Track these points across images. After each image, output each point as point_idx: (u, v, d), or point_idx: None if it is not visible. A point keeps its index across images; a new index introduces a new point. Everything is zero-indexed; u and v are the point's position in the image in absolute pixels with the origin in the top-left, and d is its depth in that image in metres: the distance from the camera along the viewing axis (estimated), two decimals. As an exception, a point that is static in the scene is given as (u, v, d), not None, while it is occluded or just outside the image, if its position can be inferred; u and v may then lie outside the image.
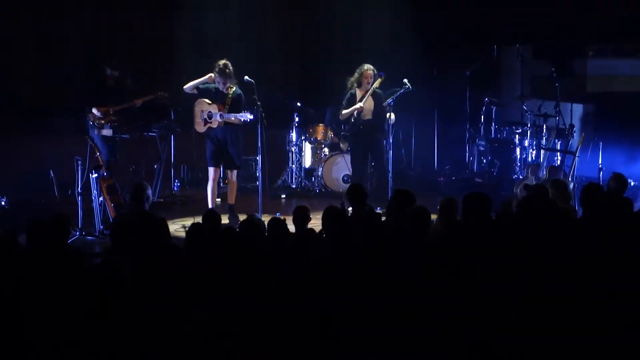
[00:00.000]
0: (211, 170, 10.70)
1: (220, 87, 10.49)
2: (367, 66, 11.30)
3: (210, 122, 10.40)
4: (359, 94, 11.35)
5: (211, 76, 10.46)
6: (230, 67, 10.44)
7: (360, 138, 11.48)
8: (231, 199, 10.88)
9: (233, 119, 10.33)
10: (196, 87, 10.51)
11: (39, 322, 5.22)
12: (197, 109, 10.55)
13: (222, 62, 10.48)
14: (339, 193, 11.92)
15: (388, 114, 11.25)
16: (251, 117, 10.27)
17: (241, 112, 10.41)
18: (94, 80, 11.76)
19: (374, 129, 11.41)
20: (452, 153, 14.30)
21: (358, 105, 11.14)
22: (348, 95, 11.39)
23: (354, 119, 11.36)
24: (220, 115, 10.32)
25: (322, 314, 5.38)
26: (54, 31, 14.09)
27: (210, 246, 6.46)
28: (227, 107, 10.49)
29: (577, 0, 14.63)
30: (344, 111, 11.29)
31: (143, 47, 14.51)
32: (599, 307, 5.51)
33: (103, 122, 11.02)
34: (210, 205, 10.58)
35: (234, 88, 10.55)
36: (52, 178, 11.55)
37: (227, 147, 10.58)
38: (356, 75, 11.33)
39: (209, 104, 10.44)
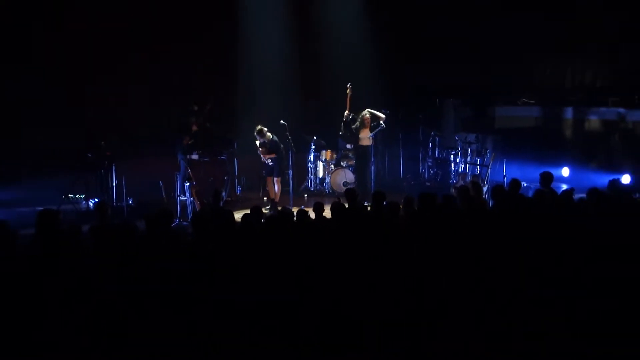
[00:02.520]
0: (267, 179, 11.36)
1: (262, 141, 11.20)
2: (367, 114, 11.49)
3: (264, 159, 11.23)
4: (363, 129, 11.51)
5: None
6: (264, 130, 11.12)
7: (362, 159, 11.63)
8: (276, 198, 11.06)
9: (266, 159, 11.25)
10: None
11: (156, 280, 5.20)
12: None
13: (257, 127, 11.18)
14: (340, 193, 11.91)
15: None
16: (271, 163, 11.21)
17: (278, 150, 11.21)
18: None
19: (368, 151, 11.55)
20: (411, 167, 14.20)
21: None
22: (356, 125, 11.54)
23: (357, 144, 11.65)
24: (265, 157, 11.23)
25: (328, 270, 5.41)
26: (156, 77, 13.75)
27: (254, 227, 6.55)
28: (266, 150, 11.19)
29: (487, 72, 14.66)
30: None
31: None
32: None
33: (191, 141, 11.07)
34: (271, 196, 11.34)
35: (271, 137, 11.15)
36: (161, 186, 11.56)
37: (271, 167, 11.16)
38: (360, 119, 11.50)
39: (261, 150, 11.26)
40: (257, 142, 11.26)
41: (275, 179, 11.20)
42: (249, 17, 14.16)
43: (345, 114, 11.49)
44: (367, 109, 11.58)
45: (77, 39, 13.06)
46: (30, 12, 12.92)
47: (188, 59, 14.02)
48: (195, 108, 11.28)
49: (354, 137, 11.66)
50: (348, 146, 12.67)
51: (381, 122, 11.43)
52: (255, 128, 11.20)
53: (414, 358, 4.41)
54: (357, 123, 11.54)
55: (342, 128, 11.90)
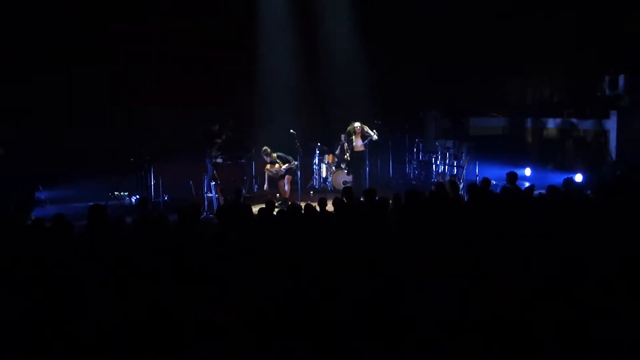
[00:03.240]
0: (279, 181, 11.30)
1: (270, 159, 11.14)
2: (357, 124, 11.57)
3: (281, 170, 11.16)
4: (355, 138, 11.58)
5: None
6: (268, 150, 11.09)
7: (357, 161, 11.66)
8: (286, 195, 11.08)
9: (282, 170, 11.16)
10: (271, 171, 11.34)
11: (185, 264, 5.13)
12: (270, 167, 11.31)
13: (263, 148, 11.17)
14: (340, 191, 11.91)
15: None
16: (283, 169, 11.11)
17: (287, 160, 11.17)
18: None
19: (363, 156, 11.56)
20: (399, 168, 14.18)
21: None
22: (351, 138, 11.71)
23: (353, 151, 11.74)
24: (276, 170, 11.15)
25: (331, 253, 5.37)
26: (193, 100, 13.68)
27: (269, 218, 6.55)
28: (278, 164, 11.15)
29: (458, 89, 14.63)
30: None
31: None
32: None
33: (219, 153, 11.10)
34: (282, 194, 11.24)
35: (276, 155, 11.16)
36: (191, 185, 11.58)
37: (284, 171, 11.15)
38: (351, 129, 11.61)
39: (278, 165, 11.19)
40: (267, 161, 11.27)
41: (286, 177, 11.24)
42: (265, 45, 14.28)
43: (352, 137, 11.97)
44: (358, 122, 11.65)
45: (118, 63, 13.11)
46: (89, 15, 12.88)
47: (214, 79, 14.05)
48: (216, 127, 11.29)
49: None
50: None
51: (374, 136, 11.48)
52: (261, 149, 11.24)
53: (400, 335, 4.37)
54: (352, 133, 11.64)
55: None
